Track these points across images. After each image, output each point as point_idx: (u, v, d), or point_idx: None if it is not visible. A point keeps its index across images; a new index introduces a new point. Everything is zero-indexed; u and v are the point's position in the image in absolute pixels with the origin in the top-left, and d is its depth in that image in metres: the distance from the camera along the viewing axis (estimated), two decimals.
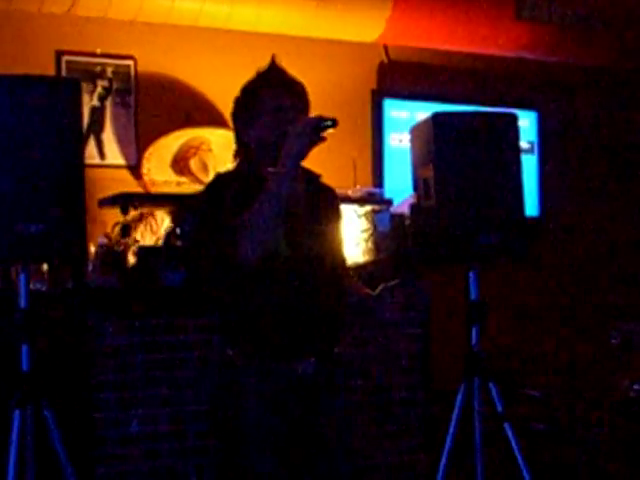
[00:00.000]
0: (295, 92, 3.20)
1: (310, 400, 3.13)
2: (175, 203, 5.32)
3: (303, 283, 3.09)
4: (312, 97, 3.25)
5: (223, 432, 3.14)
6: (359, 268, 5.12)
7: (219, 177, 3.23)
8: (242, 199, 3.01)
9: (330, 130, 3.03)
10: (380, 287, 3.22)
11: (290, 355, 3.09)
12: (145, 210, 5.70)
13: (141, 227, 5.67)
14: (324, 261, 3.19)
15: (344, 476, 3.21)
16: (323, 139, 3.01)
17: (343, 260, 3.33)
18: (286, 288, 3.06)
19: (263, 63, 3.26)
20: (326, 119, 3.02)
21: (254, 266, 2.96)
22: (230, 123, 3.32)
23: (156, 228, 5.62)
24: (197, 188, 5.86)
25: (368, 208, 5.71)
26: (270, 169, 3.02)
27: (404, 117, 7.07)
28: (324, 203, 3.27)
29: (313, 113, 3.21)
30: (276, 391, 3.07)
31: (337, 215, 3.34)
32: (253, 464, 3.06)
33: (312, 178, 3.28)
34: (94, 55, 6.27)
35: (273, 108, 3.15)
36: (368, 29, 6.62)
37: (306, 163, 3.12)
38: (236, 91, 3.27)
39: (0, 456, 3.43)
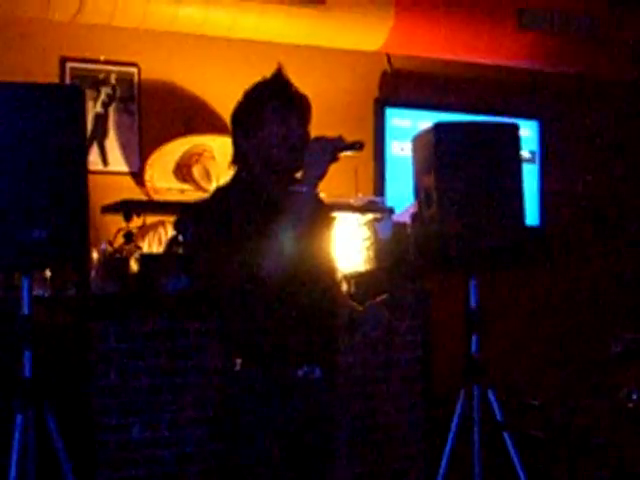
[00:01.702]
0: (299, 105, 3.18)
1: (315, 405, 3.16)
2: (178, 211, 5.33)
3: (304, 293, 3.12)
4: (315, 105, 3.23)
5: (228, 437, 3.17)
6: (356, 277, 5.13)
7: (221, 189, 3.24)
8: (249, 211, 3.03)
9: (351, 152, 3.04)
10: (367, 303, 3.25)
11: (294, 362, 3.12)
12: (155, 220, 5.72)
13: (150, 236, 5.70)
14: (321, 272, 3.22)
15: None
16: (338, 159, 3.03)
17: (335, 271, 3.35)
18: (290, 299, 3.09)
19: (266, 71, 3.21)
20: (350, 142, 3.04)
21: (275, 281, 2.98)
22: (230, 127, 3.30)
23: (165, 238, 5.64)
24: (200, 195, 5.89)
25: (369, 216, 5.72)
26: (292, 188, 3.02)
27: (406, 126, 7.09)
28: (318, 214, 3.27)
29: (316, 121, 3.22)
30: (281, 396, 3.09)
31: (330, 227, 3.36)
32: (258, 467, 3.09)
33: None
34: (98, 62, 6.30)
35: (277, 120, 3.12)
36: (371, 38, 6.64)
37: None
38: (238, 97, 3.23)
39: (2, 460, 3.44)
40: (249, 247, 2.96)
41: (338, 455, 3.24)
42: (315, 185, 3.02)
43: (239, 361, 3.12)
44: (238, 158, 3.23)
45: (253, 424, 3.09)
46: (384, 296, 3.24)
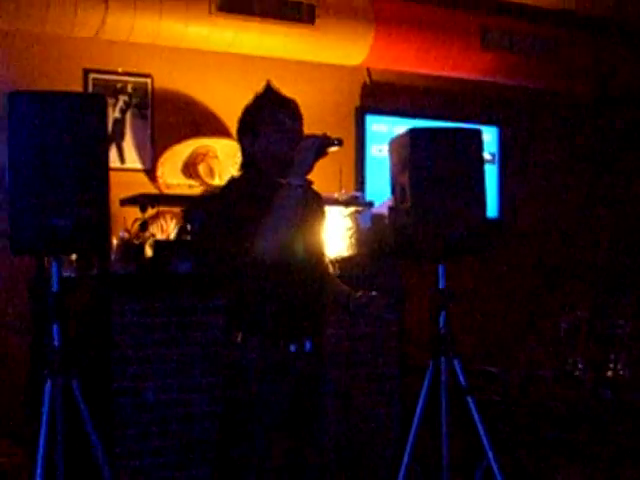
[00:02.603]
0: (290, 108, 3.24)
1: (306, 376, 3.19)
2: (186, 203, 5.35)
3: (298, 275, 3.15)
4: (304, 113, 3.28)
5: (229, 401, 3.20)
6: (340, 262, 5.13)
7: (232, 183, 3.28)
8: (255, 202, 3.06)
9: (335, 148, 3.09)
10: (360, 293, 3.27)
11: (288, 336, 3.15)
12: (153, 212, 5.73)
13: (153, 226, 5.71)
14: (313, 256, 3.25)
15: (331, 444, 3.29)
16: (326, 154, 3.07)
17: (324, 254, 3.38)
18: (286, 279, 3.12)
19: (261, 83, 3.30)
20: (333, 138, 3.09)
21: (271, 261, 3.01)
22: (235, 137, 3.34)
23: (165, 227, 5.68)
24: (205, 190, 5.92)
25: (352, 209, 5.73)
26: (282, 180, 3.06)
27: (384, 131, 7.11)
28: (314, 206, 3.31)
29: (306, 126, 3.27)
30: (274, 366, 3.13)
31: (323, 217, 3.39)
32: (253, 432, 3.11)
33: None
34: (117, 73, 6.31)
35: (273, 122, 3.19)
36: (354, 54, 6.67)
37: None
38: (239, 105, 3.31)
39: (34, 420, 3.46)
40: (247, 231, 2.99)
41: (324, 419, 3.28)
42: (305, 175, 3.07)
43: (240, 334, 3.15)
44: (247, 162, 3.28)
45: (252, 390, 3.11)
46: (374, 293, 3.26)
